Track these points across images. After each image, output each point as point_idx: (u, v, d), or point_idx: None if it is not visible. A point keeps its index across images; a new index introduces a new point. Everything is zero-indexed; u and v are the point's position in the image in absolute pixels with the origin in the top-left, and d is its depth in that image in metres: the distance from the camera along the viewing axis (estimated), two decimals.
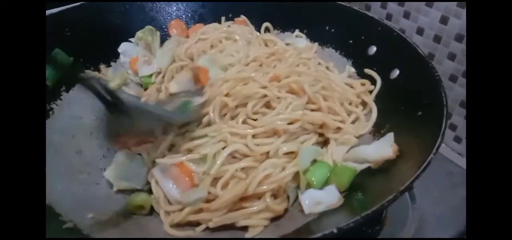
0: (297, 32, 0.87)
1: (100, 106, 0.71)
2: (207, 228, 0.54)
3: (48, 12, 0.72)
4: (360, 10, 0.79)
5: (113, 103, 0.53)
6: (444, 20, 0.82)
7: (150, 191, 0.60)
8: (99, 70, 0.77)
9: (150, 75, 0.79)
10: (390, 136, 0.57)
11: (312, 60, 0.77)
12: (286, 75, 0.65)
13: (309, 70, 0.71)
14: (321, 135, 0.64)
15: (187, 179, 0.56)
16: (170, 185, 0.57)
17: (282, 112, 0.61)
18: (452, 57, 0.83)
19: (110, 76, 0.78)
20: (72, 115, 0.68)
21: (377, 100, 0.70)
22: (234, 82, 0.64)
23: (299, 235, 0.52)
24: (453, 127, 0.89)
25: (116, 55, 0.81)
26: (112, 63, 0.81)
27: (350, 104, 0.69)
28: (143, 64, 0.80)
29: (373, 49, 0.75)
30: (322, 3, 0.84)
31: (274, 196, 0.56)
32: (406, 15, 0.89)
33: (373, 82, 0.72)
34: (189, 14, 0.91)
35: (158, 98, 0.72)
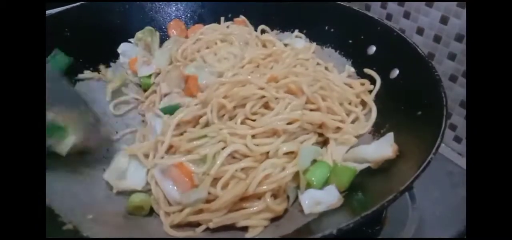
0: (296, 32, 0.87)
1: (100, 105, 0.71)
2: (207, 229, 0.54)
3: (48, 12, 0.72)
4: (360, 10, 0.79)
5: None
6: (444, 20, 0.82)
7: (150, 192, 0.59)
8: (98, 71, 0.77)
9: (149, 76, 0.79)
10: (390, 136, 0.57)
11: (310, 60, 0.76)
12: (283, 76, 0.65)
13: (307, 70, 0.70)
14: (320, 135, 0.64)
15: (187, 179, 0.55)
16: (170, 186, 0.56)
17: (281, 112, 0.61)
18: (452, 57, 0.83)
19: (110, 76, 0.77)
20: None
21: (377, 100, 0.69)
22: (231, 85, 0.63)
23: (299, 235, 0.51)
24: (453, 127, 0.88)
25: (116, 56, 0.82)
26: (111, 64, 0.81)
27: (349, 104, 0.69)
28: (142, 65, 0.80)
29: (372, 49, 0.74)
30: (321, 3, 0.84)
31: (274, 196, 0.56)
32: (406, 15, 0.89)
33: (373, 81, 0.71)
34: (189, 15, 0.91)
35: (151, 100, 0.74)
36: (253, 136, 0.59)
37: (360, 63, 0.76)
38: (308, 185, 0.56)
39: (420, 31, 0.87)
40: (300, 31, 0.87)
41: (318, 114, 0.63)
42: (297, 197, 0.56)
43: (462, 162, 0.84)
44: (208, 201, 0.54)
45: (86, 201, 0.56)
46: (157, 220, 0.57)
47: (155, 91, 0.76)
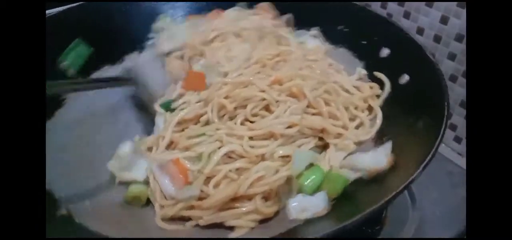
0: (313, 31, 0.83)
1: (114, 98, 0.71)
2: (198, 225, 0.54)
3: (48, 12, 0.71)
4: (376, 11, 0.75)
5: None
6: (444, 20, 0.79)
7: (149, 184, 0.60)
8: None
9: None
10: (388, 145, 0.55)
11: (319, 61, 0.73)
12: (289, 78, 0.63)
13: (314, 72, 0.67)
14: (321, 139, 0.61)
15: (181, 176, 0.55)
16: (166, 181, 0.56)
17: (281, 116, 0.59)
18: (452, 57, 0.81)
19: None
20: (86, 105, 0.68)
21: (384, 105, 0.66)
22: (233, 86, 0.62)
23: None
24: (453, 127, 0.86)
25: (117, 56, 0.80)
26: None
27: (355, 108, 0.66)
28: (165, 41, 0.78)
29: (385, 52, 0.71)
30: (337, 2, 0.81)
31: (266, 198, 0.54)
32: (406, 15, 0.86)
33: (382, 85, 0.68)
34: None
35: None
36: (251, 138, 0.58)
37: (372, 65, 0.73)
38: (300, 190, 0.54)
39: (420, 31, 0.85)
40: (313, 29, 0.83)
41: (319, 119, 0.61)
42: None
43: (462, 162, 0.82)
44: (200, 199, 0.54)
45: (88, 188, 0.57)
46: (153, 211, 0.57)
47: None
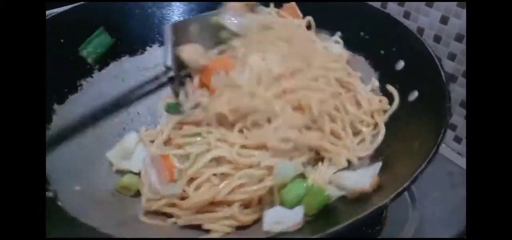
0: (336, 36, 0.77)
1: (129, 86, 0.64)
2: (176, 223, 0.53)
3: (48, 12, 0.70)
4: (397, 18, 0.70)
5: None
6: (444, 20, 0.78)
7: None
8: None
9: None
10: (377, 166, 0.51)
11: (338, 71, 0.66)
12: (299, 88, 0.59)
13: (330, 83, 0.62)
14: (318, 152, 0.58)
15: (167, 172, 0.55)
16: (154, 175, 0.56)
17: (279, 128, 0.55)
18: (452, 57, 0.79)
19: None
20: (99, 93, 0.68)
21: (389, 120, 0.62)
22: (238, 95, 0.58)
23: None
24: (453, 127, 0.84)
25: (118, 56, 0.79)
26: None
27: (361, 122, 0.62)
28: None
29: (401, 64, 0.66)
30: (359, 6, 0.76)
31: (246, 206, 0.53)
32: (406, 15, 0.84)
33: (391, 99, 0.64)
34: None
35: None
36: (243, 146, 0.55)
37: (385, 77, 0.68)
38: (282, 202, 0.52)
39: (420, 31, 0.83)
40: (334, 32, 0.77)
41: (316, 137, 0.57)
42: None
43: (462, 162, 0.80)
44: (183, 198, 0.54)
45: (84, 173, 0.58)
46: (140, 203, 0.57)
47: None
